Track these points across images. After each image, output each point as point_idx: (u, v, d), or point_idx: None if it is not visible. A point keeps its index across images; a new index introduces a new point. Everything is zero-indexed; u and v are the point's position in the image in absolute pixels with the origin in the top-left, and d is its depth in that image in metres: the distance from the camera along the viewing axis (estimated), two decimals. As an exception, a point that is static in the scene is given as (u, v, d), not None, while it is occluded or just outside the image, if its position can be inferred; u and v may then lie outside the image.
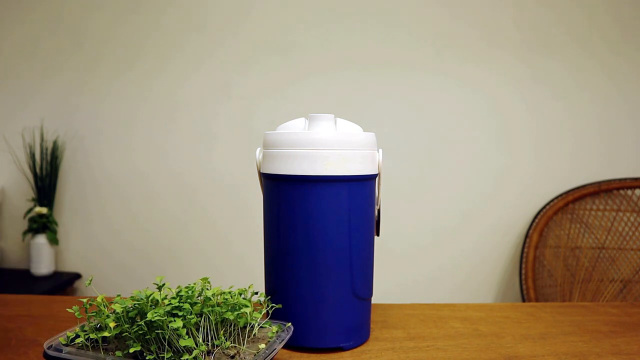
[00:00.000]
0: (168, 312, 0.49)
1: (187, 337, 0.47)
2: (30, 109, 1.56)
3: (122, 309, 0.49)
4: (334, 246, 0.58)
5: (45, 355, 0.47)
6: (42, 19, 1.53)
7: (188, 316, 0.48)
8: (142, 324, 0.47)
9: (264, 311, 0.56)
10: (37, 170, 1.53)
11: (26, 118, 1.55)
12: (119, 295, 0.53)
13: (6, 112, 1.57)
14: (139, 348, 0.46)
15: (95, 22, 1.52)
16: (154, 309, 0.50)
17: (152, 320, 0.46)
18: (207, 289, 0.55)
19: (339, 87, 1.51)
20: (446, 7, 1.48)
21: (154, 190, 1.52)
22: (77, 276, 1.58)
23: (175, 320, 0.47)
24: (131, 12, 1.51)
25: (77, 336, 0.50)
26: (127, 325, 0.48)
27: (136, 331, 0.47)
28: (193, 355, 0.45)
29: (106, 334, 0.48)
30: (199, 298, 0.53)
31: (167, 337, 0.47)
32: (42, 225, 1.53)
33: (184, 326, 0.48)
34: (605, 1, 1.49)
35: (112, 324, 0.49)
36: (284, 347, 0.55)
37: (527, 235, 1.46)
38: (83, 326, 0.52)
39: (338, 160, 0.57)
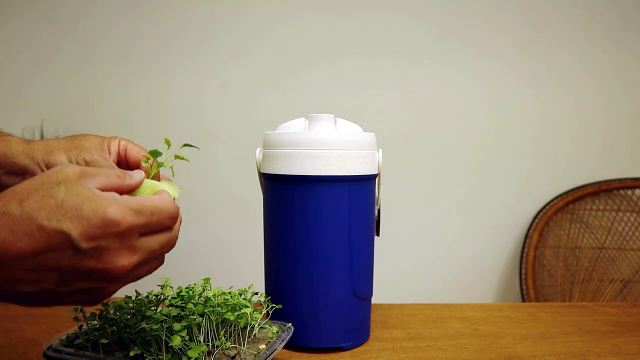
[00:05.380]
0: (167, 314, 0.49)
1: (186, 337, 0.47)
2: (30, 109, 1.56)
3: (119, 316, 0.49)
4: (334, 246, 0.58)
5: (45, 355, 0.47)
6: (42, 18, 1.53)
7: (191, 316, 0.48)
8: (143, 326, 0.47)
9: (264, 311, 0.56)
10: (37, 170, 1.52)
11: (26, 118, 1.55)
12: (114, 302, 0.53)
13: (6, 112, 1.57)
14: (139, 352, 0.46)
15: (95, 22, 1.52)
16: (152, 311, 0.50)
17: (150, 327, 0.46)
18: (208, 290, 0.55)
19: (339, 85, 1.50)
20: (449, 2, 1.48)
21: (153, 190, 1.52)
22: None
23: (174, 329, 0.47)
24: (130, 11, 1.51)
25: (77, 336, 0.50)
26: (125, 329, 0.48)
27: (136, 333, 0.47)
28: (193, 358, 0.45)
29: (104, 340, 0.48)
30: (199, 299, 0.53)
31: (163, 338, 0.46)
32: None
33: (186, 327, 0.48)
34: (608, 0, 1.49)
35: (109, 329, 0.49)
36: (284, 347, 0.55)
37: (527, 235, 1.46)
38: (82, 326, 0.51)
39: (338, 160, 0.57)
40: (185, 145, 0.47)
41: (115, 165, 0.46)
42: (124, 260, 0.36)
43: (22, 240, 0.32)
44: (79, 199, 0.34)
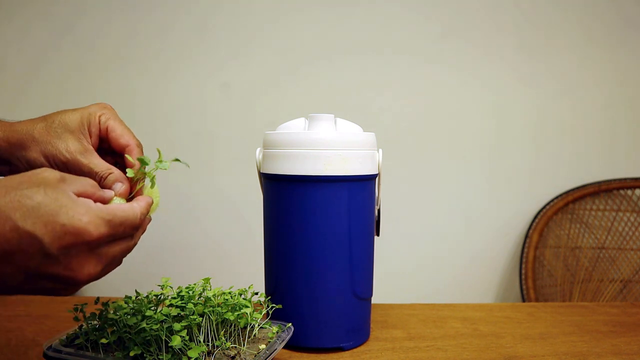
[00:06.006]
0: (167, 315, 0.49)
1: (186, 337, 0.47)
2: (28, 109, 1.56)
3: (119, 316, 0.49)
4: (334, 246, 0.58)
5: (45, 355, 0.47)
6: (36, 17, 1.53)
7: (191, 316, 0.48)
8: (143, 326, 0.47)
9: (264, 311, 0.56)
10: (37, 170, 1.52)
11: (24, 117, 1.55)
12: (114, 302, 0.53)
13: (4, 113, 1.57)
14: (139, 352, 0.46)
15: (91, 20, 1.52)
16: (152, 311, 0.50)
17: (150, 327, 0.46)
18: (208, 290, 0.55)
19: (339, 86, 1.50)
20: (449, 2, 1.48)
21: (153, 190, 1.52)
22: (77, 276, 1.57)
23: (174, 330, 0.47)
24: (130, 11, 1.51)
25: (77, 336, 0.50)
26: (125, 329, 0.48)
27: (136, 333, 0.47)
28: (193, 358, 0.45)
29: (104, 340, 0.48)
30: (199, 299, 0.53)
31: (163, 338, 0.46)
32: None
33: (186, 327, 0.48)
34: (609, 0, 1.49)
35: (109, 329, 0.49)
36: (284, 347, 0.55)
37: (527, 235, 1.46)
38: (82, 326, 0.51)
39: (338, 160, 0.57)
40: (175, 160, 0.46)
41: (99, 163, 0.45)
42: (91, 268, 0.36)
43: None
44: (55, 205, 0.34)
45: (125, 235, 0.39)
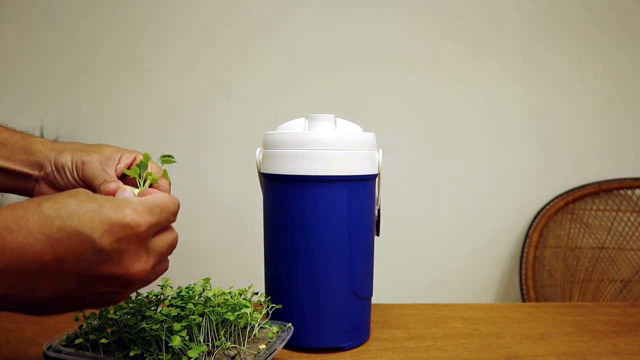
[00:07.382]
0: (167, 315, 0.49)
1: (186, 337, 0.47)
2: (29, 109, 1.56)
3: (119, 316, 0.49)
4: (334, 246, 0.58)
5: (45, 355, 0.47)
6: (39, 18, 1.53)
7: (191, 316, 0.48)
8: (143, 326, 0.47)
9: (264, 311, 0.56)
10: (37, 170, 1.52)
11: (26, 118, 1.55)
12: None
13: (5, 113, 1.57)
14: (139, 352, 0.46)
15: (93, 21, 1.52)
16: (152, 311, 0.50)
17: (150, 327, 0.46)
18: (208, 290, 0.55)
19: (339, 86, 1.51)
20: (448, 3, 1.48)
21: (153, 190, 1.51)
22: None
23: (174, 330, 0.47)
24: (129, 10, 1.51)
25: (77, 336, 0.50)
26: (125, 329, 0.48)
27: (136, 333, 0.47)
28: (193, 358, 0.45)
29: (104, 340, 0.48)
30: (199, 299, 0.53)
31: (163, 338, 0.46)
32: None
33: (186, 327, 0.48)
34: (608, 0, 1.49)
35: (109, 329, 0.49)
36: (284, 347, 0.55)
37: (527, 235, 1.46)
38: (82, 326, 0.51)
39: (338, 160, 0.57)
40: (166, 158, 0.47)
41: (112, 175, 0.45)
42: (143, 263, 0.35)
43: (42, 242, 0.31)
44: (98, 202, 0.34)
45: (167, 223, 0.38)
